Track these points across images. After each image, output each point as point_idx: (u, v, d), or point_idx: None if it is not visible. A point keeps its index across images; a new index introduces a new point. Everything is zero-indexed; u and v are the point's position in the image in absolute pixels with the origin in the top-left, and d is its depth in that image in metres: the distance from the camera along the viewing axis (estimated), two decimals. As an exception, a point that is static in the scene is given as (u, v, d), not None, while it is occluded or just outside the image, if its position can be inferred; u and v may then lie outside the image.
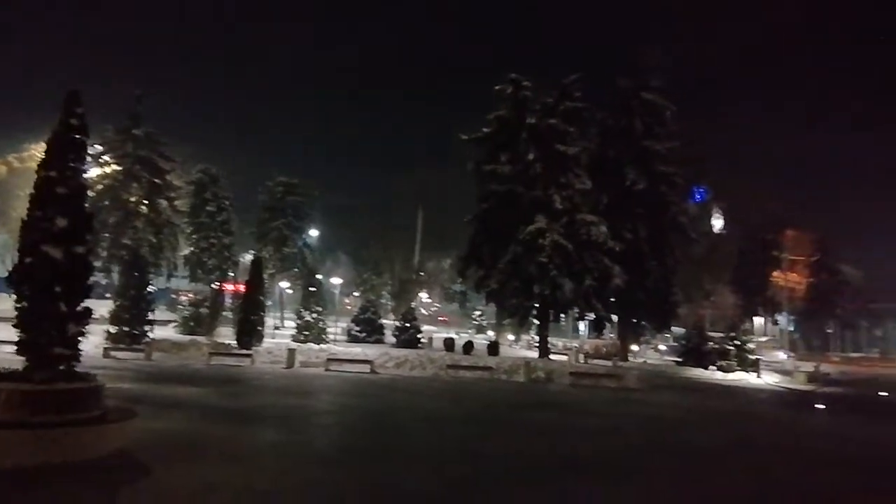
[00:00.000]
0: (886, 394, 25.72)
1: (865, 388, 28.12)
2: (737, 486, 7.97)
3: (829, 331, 59.63)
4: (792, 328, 52.40)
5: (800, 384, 28.01)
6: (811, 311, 55.00)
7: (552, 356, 28.32)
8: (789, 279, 51.86)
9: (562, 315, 31.09)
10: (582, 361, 29.69)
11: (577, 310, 29.19)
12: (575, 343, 37.99)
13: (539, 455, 9.19)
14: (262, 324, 27.10)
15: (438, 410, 14.00)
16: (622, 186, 31.15)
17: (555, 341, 34.72)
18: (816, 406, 19.46)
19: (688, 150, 34.14)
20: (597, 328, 32.48)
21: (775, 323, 53.35)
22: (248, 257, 38.10)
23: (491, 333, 43.56)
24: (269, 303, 34.46)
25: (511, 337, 44.32)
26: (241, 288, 31.23)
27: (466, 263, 30.03)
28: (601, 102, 32.69)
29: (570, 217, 26.83)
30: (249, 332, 25.27)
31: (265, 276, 32.13)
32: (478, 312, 50.84)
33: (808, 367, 34.16)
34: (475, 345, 30.16)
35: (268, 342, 26.91)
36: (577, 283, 26.38)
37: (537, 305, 27.69)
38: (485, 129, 28.39)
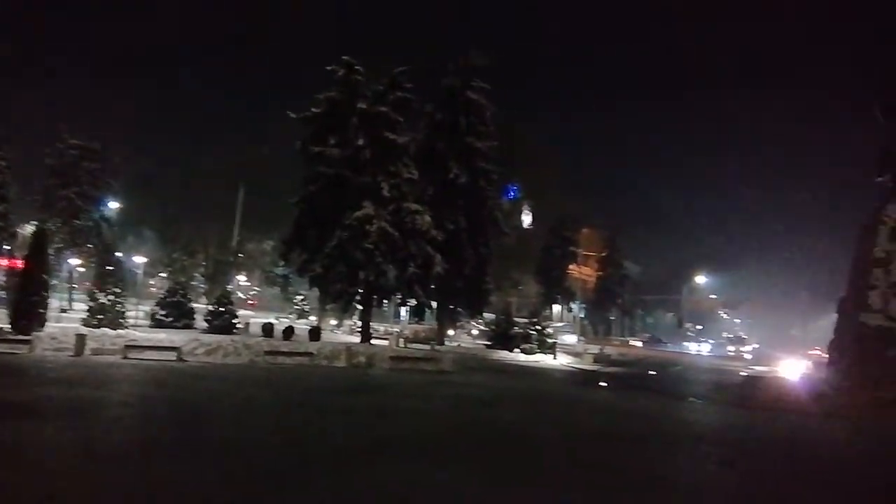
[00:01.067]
0: (654, 372, 30.37)
1: (639, 367, 32.90)
2: (538, 457, 8.99)
3: (612, 318, 68.60)
4: (583, 315, 59.24)
5: (588, 364, 32.01)
6: (599, 300, 62.95)
7: (374, 341, 28.86)
8: (583, 272, 58.66)
9: (385, 301, 31.75)
10: (402, 346, 30.67)
11: (399, 296, 30.05)
12: (396, 328, 39.02)
13: (355, 438, 9.33)
14: (45, 306, 23.70)
15: (250, 398, 13.34)
16: (446, 179, 32.60)
17: (377, 326, 35.30)
18: (600, 384, 22.43)
19: (505, 149, 36.79)
20: (417, 314, 33.72)
21: (570, 310, 59.89)
22: (29, 229, 33.01)
23: (313, 318, 42.91)
24: (54, 282, 30.17)
25: (333, 322, 44.12)
26: (19, 264, 26.99)
27: (290, 246, 29.26)
28: (430, 97, 33.86)
29: (396, 205, 27.47)
30: (28, 315, 22.00)
31: (50, 251, 28.13)
32: (300, 297, 49.80)
33: (595, 349, 39.08)
34: (296, 330, 29.56)
35: (52, 326, 23.63)
36: (401, 269, 27.17)
37: (361, 291, 27.99)
38: (314, 109, 27.81)
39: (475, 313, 38.01)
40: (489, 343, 35.24)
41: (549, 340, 34.46)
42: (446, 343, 34.73)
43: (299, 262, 28.95)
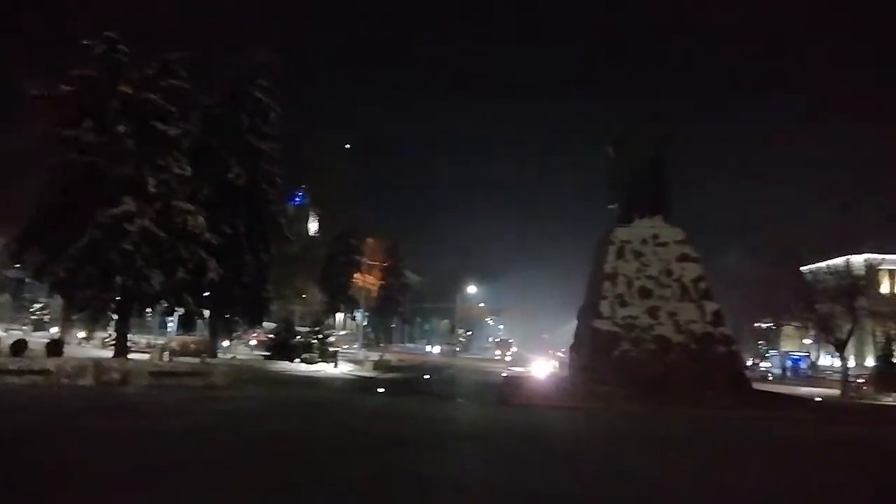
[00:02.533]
0: (429, 376, 31.94)
1: (415, 372, 34.33)
2: (294, 465, 8.76)
3: (392, 325, 70.77)
4: (366, 323, 60.09)
5: (368, 371, 32.51)
6: (381, 308, 64.48)
7: (133, 355, 25.67)
8: (367, 281, 59.54)
9: (148, 310, 28.47)
10: (167, 360, 27.80)
11: (165, 304, 27.25)
12: (161, 340, 35.29)
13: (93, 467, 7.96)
14: None
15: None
16: (224, 179, 30.59)
17: (137, 339, 31.56)
18: (378, 390, 22.87)
19: (292, 153, 35.85)
20: (186, 324, 30.91)
21: (353, 318, 60.31)
22: None
23: (55, 330, 36.69)
24: None
25: (82, 335, 38.25)
26: None
27: (24, 245, 24.73)
28: (212, 91, 31.58)
29: (164, 203, 24.89)
30: None
31: None
32: (38, 305, 42.23)
33: (375, 356, 39.85)
34: (32, 344, 24.97)
35: None
36: (167, 275, 24.63)
37: (118, 298, 24.73)
38: (65, 87, 23.99)
39: (254, 322, 36.13)
40: (268, 354, 33.79)
41: (332, 349, 34.25)
42: (220, 355, 32.41)
43: (37, 263, 24.61)
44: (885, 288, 53.12)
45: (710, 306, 23.41)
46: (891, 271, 55.28)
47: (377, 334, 65.25)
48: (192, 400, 16.45)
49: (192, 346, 32.66)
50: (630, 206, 25.66)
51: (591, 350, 23.50)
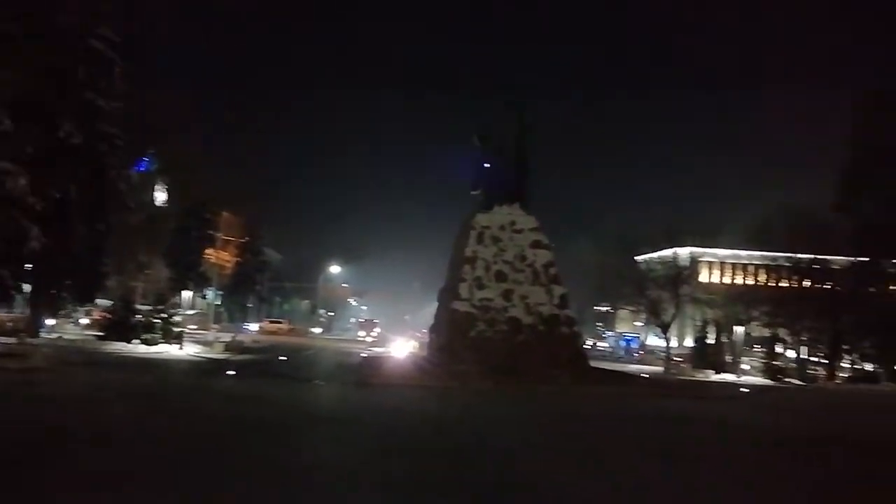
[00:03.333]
0: (285, 357, 30.95)
1: (271, 354, 33.10)
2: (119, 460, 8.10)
3: (249, 305, 67.64)
4: (218, 302, 56.80)
5: (217, 353, 30.73)
6: (236, 286, 61.31)
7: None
8: (220, 257, 56.21)
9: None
10: (-27, 340, 24.20)
11: (-27, 276, 23.66)
12: (-34, 318, 30.62)
13: None
14: None
15: None
16: (54, 137, 27.04)
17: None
18: (227, 372, 21.72)
19: (139, 115, 32.53)
20: (3, 299, 27.12)
21: (204, 297, 56.72)
22: None
23: None
24: None
25: None
26: None
27: None
28: (40, 35, 27.57)
29: (-26, 161, 21.52)
30: None
31: None
32: None
33: (227, 337, 37.83)
34: None
35: None
36: (-25, 243, 21.39)
37: None
38: None
39: (85, 299, 32.57)
40: (102, 334, 30.69)
41: (176, 329, 31.92)
42: (44, 335, 28.85)
43: None
44: (704, 277, 60.49)
45: (558, 290, 25.07)
46: (710, 263, 63.09)
47: (232, 314, 61.99)
48: (3, 385, 14.50)
49: (9, 324, 28.77)
50: (491, 194, 26.72)
51: (449, 331, 24.20)
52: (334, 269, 73.11)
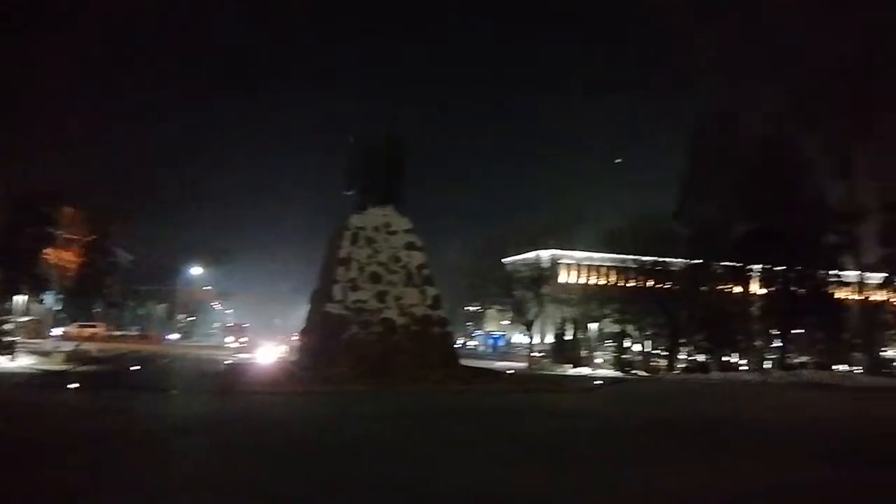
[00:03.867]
0: (138, 367, 28.53)
1: (120, 364, 30.33)
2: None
3: (96, 310, 61.36)
4: (60, 307, 51.06)
5: (58, 365, 27.58)
6: (80, 289, 55.33)
7: None
8: (62, 257, 50.52)
9: None
10: None
11: None
12: None
13: None
14: None
15: None
16: None
17: None
18: (70, 386, 19.62)
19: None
20: None
21: (41, 302, 50.70)
22: None
23: None
24: None
25: None
26: None
27: None
28: None
29: None
30: None
31: None
32: None
33: (70, 346, 34.12)
34: None
35: None
36: None
37: None
38: None
39: None
40: None
41: (7, 339, 28.28)
42: None
43: None
44: (563, 278, 64.70)
45: (431, 291, 25.61)
46: (568, 265, 67.60)
47: (76, 320, 55.83)
48: None
49: None
50: (365, 195, 26.69)
51: (322, 334, 23.78)
52: (196, 270, 68.60)
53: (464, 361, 28.75)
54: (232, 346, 55.24)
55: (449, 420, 13.99)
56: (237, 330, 66.14)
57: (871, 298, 43.16)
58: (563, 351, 48.80)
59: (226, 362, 32.39)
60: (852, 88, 37.97)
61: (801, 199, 40.53)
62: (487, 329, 75.23)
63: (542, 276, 53.22)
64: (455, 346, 31.35)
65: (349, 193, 27.37)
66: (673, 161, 49.41)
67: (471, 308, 70.74)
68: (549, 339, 55.44)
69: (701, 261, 43.96)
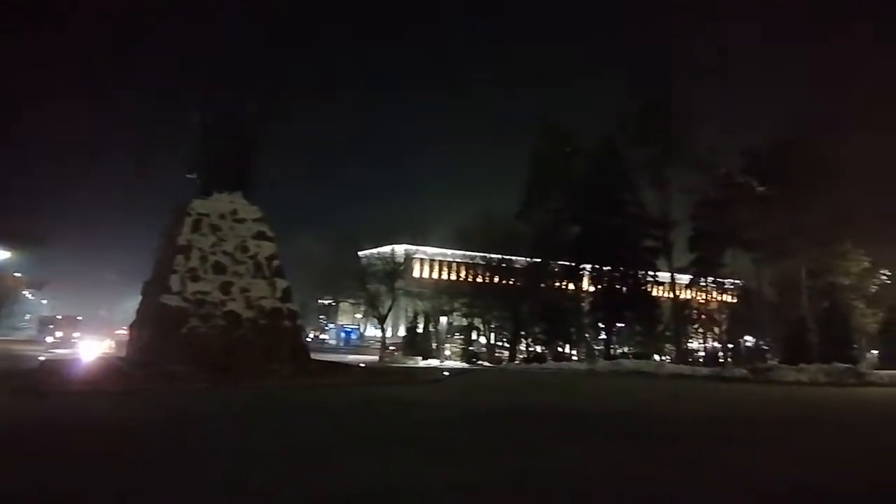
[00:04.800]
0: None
1: None
2: None
3: None
4: None
5: None
6: None
7: None
8: None
9: None
10: None
11: None
12: None
13: None
14: None
15: None
16: None
17: None
18: None
19: None
20: None
21: None
22: None
23: None
24: None
25: None
26: None
27: None
28: None
29: None
30: None
31: None
32: None
33: None
34: None
35: None
36: None
37: None
38: None
39: None
40: None
41: None
42: None
43: None
44: (417, 273, 65.95)
45: (281, 283, 24.76)
46: (422, 260, 69.02)
47: None
48: None
49: None
50: (211, 179, 24.99)
51: (156, 327, 21.97)
52: (2, 254, 59.69)
53: (315, 355, 28.22)
54: (47, 340, 48.77)
55: (294, 416, 13.73)
56: (64, 322, 56.91)
57: (681, 296, 49.28)
58: (415, 344, 49.82)
59: (40, 358, 28.77)
60: (666, 111, 43.41)
61: (625, 207, 45.30)
62: (340, 322, 74.45)
63: (397, 271, 53.83)
64: (306, 339, 30.66)
65: (192, 177, 25.42)
66: (518, 165, 52.63)
67: (324, 301, 69.56)
68: (402, 332, 56.26)
69: (540, 260, 47.31)
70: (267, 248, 25.00)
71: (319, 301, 68.31)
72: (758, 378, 29.75)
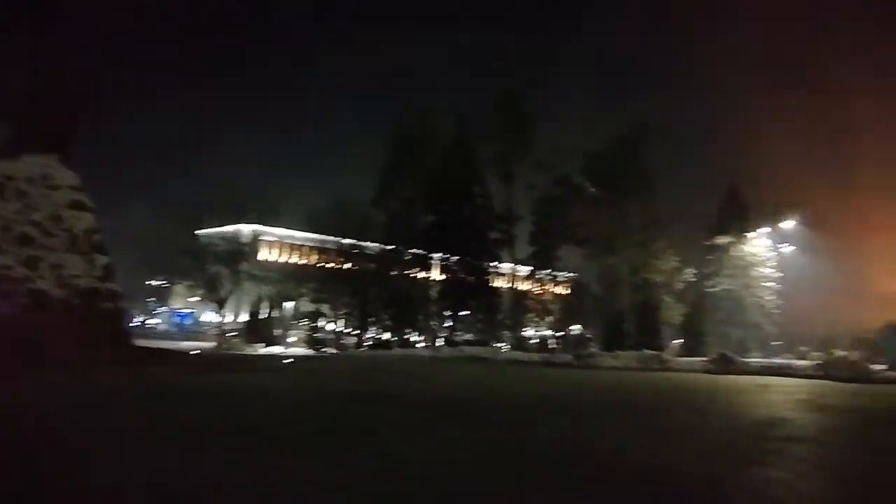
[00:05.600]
0: None
1: None
2: None
3: None
4: None
5: None
6: None
7: None
8: None
9: None
10: None
11: None
12: None
13: None
14: None
15: None
16: None
17: None
18: None
19: None
20: None
21: None
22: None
23: None
24: None
25: None
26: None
27: None
28: None
29: None
30: None
31: None
32: None
33: None
34: None
35: None
36: None
37: None
38: None
39: None
40: None
41: None
42: None
43: None
44: (264, 255, 62.99)
45: (101, 260, 22.29)
46: (270, 242, 65.96)
47: None
48: None
49: None
50: (20, 138, 21.77)
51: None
52: None
53: (144, 342, 25.85)
54: None
55: (99, 411, 12.42)
56: None
57: (520, 287, 52.43)
58: (257, 330, 47.72)
59: None
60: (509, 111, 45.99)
61: (475, 199, 47.22)
62: (173, 306, 68.97)
63: (241, 252, 51.08)
64: (130, 323, 27.98)
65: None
66: (375, 151, 52.47)
67: (155, 282, 63.91)
68: (244, 317, 53.58)
69: (393, 247, 47.67)
70: (85, 219, 22.33)
71: (149, 282, 62.63)
72: (581, 363, 32.69)
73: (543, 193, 47.76)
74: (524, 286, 53.28)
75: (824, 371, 29.49)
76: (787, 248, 49.22)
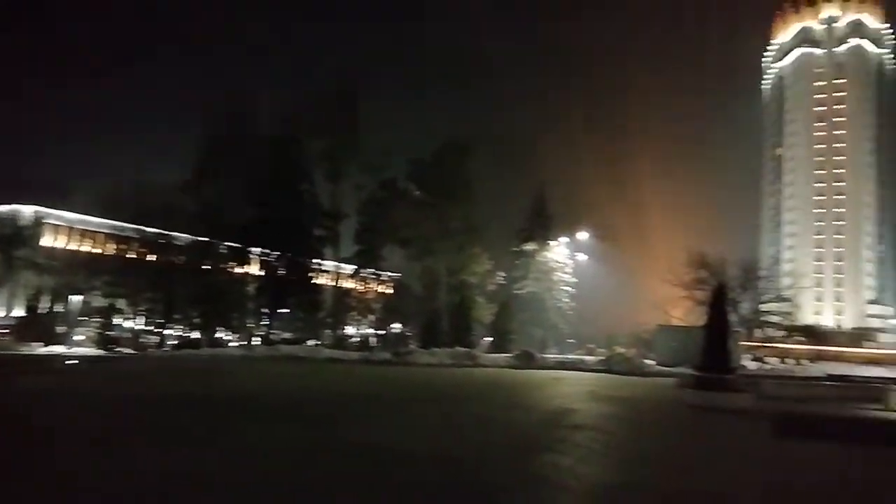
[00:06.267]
0: None
1: None
2: None
3: None
4: None
5: None
6: None
7: None
8: None
9: None
10: None
11: None
12: None
13: None
14: None
15: None
16: None
17: None
18: None
19: None
20: None
21: None
22: None
23: None
24: None
25: None
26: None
27: None
28: None
29: None
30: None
31: None
32: None
33: None
34: None
35: None
36: None
37: None
38: None
39: None
40: None
41: None
42: None
43: None
44: (48, 241, 54.65)
45: None
46: (57, 226, 57.38)
47: None
48: None
49: None
50: None
51: None
52: None
53: None
54: None
55: None
56: None
57: (344, 285, 51.93)
58: (35, 326, 41.37)
59: None
60: (341, 110, 45.85)
61: (301, 195, 45.85)
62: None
63: (20, 237, 44.01)
64: None
65: None
66: (183, 137, 48.50)
67: None
68: (18, 312, 46.19)
69: (206, 239, 44.38)
70: None
71: None
72: (399, 360, 33.37)
73: (370, 194, 47.96)
74: (348, 284, 52.91)
75: (608, 366, 33.68)
76: (581, 257, 54.92)
